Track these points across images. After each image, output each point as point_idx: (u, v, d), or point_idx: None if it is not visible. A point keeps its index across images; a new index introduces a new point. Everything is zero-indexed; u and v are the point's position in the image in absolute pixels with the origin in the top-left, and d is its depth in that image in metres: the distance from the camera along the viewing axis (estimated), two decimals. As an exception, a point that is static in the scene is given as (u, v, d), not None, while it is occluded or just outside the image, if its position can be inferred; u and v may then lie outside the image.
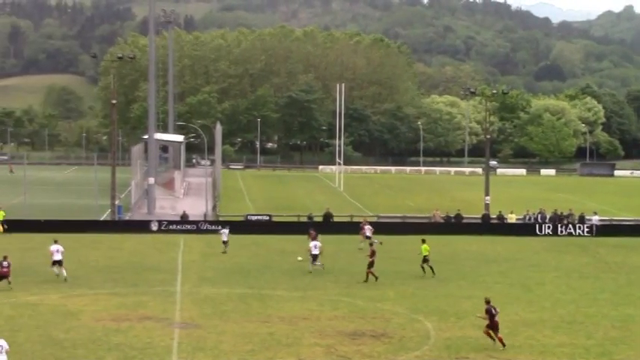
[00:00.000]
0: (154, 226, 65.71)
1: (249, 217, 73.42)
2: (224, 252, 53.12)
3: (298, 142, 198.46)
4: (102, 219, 72.12)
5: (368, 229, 57.40)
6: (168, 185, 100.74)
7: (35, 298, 37.57)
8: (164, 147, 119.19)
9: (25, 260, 48.56)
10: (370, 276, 43.89)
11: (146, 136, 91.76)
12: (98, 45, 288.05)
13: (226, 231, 54.91)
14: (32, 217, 66.97)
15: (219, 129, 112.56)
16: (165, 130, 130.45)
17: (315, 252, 46.26)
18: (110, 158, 79.38)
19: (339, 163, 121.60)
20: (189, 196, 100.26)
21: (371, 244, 50.38)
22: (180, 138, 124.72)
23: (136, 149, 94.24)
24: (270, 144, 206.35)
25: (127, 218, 74.24)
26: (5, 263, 39.80)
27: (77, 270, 45.56)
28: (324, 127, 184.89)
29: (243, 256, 52.75)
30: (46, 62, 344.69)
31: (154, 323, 33.58)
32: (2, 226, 63.56)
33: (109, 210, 73.94)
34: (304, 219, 71.21)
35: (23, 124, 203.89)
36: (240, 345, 30.29)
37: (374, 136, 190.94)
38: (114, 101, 79.49)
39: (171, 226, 65.84)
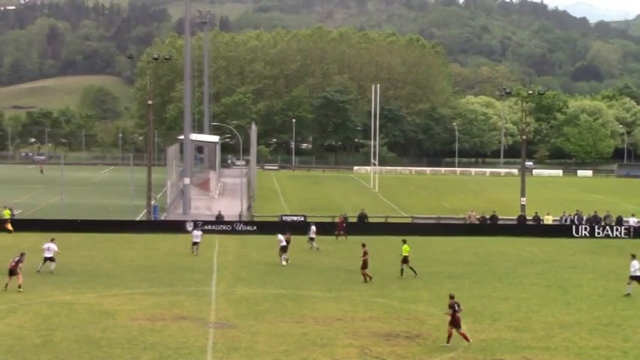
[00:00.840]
0: (190, 227, 65.96)
1: (284, 218, 73.50)
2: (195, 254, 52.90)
3: (333, 143, 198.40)
4: (138, 219, 72.53)
5: (312, 231, 56.73)
6: (204, 186, 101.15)
7: (71, 298, 37.82)
8: (199, 147, 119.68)
9: (60, 260, 48.91)
10: (366, 277, 44.10)
11: (182, 137, 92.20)
12: (134, 46, 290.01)
13: (199, 233, 54.79)
14: (69, 217, 67.49)
15: (254, 129, 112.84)
16: (200, 131, 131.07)
17: (283, 244, 49.08)
18: (146, 158, 79.86)
19: (374, 164, 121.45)
20: (224, 196, 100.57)
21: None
22: (215, 138, 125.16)
23: (172, 150, 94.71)
24: (305, 145, 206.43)
25: (162, 218, 74.60)
26: (17, 258, 40.00)
27: (113, 270, 45.83)
28: (359, 128, 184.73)
29: (278, 257, 52.76)
30: (83, 63, 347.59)
31: (189, 323, 33.70)
32: (11, 225, 63.67)
33: (145, 210, 74.36)
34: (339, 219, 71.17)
35: (60, 125, 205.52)
36: (275, 345, 30.31)
37: (409, 136, 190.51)
38: (150, 102, 79.97)
39: (206, 227, 66.03)
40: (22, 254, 40.62)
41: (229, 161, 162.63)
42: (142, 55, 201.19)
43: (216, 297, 39.39)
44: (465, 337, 30.38)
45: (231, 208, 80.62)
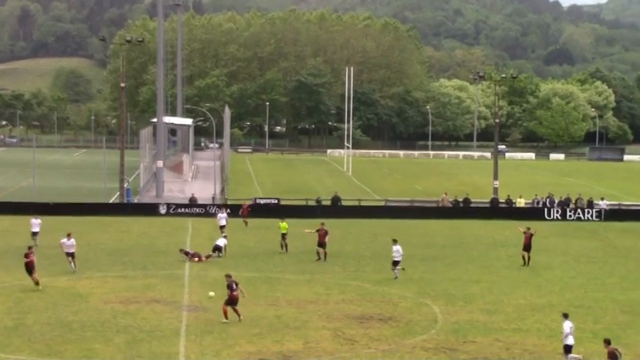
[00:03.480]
0: (163, 210, 65.82)
1: (257, 201, 73.42)
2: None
3: (307, 126, 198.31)
4: (111, 202, 72.24)
5: (222, 218, 54.20)
6: (177, 168, 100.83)
7: (44, 280, 37.62)
8: (173, 130, 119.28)
9: (32, 243, 48.69)
10: (320, 255, 45.27)
11: (155, 120, 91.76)
12: (107, 28, 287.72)
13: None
14: (41, 200, 67.11)
15: (227, 112, 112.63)
16: (173, 114, 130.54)
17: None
18: (119, 141, 79.41)
19: (348, 147, 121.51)
20: (197, 179, 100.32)
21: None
22: (188, 121, 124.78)
23: (145, 132, 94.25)
24: (279, 128, 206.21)
25: (135, 201, 74.33)
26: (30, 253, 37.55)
27: (86, 253, 45.68)
28: (332, 111, 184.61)
29: (251, 240, 52.80)
30: (55, 45, 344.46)
31: (162, 306, 33.70)
32: None
33: (118, 193, 74.07)
34: (312, 203, 71.25)
35: (32, 107, 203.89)
36: (248, 328, 30.39)
37: (382, 120, 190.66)
38: (123, 84, 79.45)
39: (179, 210, 65.89)
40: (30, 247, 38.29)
41: (202, 144, 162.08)
42: (114, 38, 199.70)
43: (190, 280, 39.40)
44: (238, 314, 31.28)
45: (205, 191, 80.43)
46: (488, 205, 73.84)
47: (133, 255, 46.30)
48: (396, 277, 40.11)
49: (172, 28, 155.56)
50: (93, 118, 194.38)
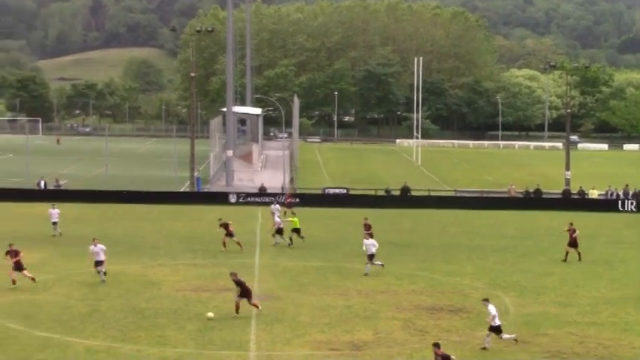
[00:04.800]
0: (233, 198, 66.23)
1: (326, 191, 73.51)
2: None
3: (376, 116, 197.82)
4: (181, 190, 72.92)
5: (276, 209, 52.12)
6: (247, 158, 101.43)
7: (117, 268, 38.15)
8: (242, 120, 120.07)
9: (105, 230, 49.44)
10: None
11: (224, 109, 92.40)
12: (177, 18, 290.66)
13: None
14: (114, 188, 68.06)
15: (296, 102, 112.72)
16: (243, 103, 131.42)
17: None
18: (189, 131, 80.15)
19: (417, 137, 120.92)
20: (267, 168, 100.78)
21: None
22: (257, 111, 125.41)
23: (215, 122, 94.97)
24: (348, 117, 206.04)
25: (205, 190, 74.95)
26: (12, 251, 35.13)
27: (157, 240, 46.20)
28: (401, 101, 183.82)
29: (321, 229, 52.80)
30: (127, 35, 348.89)
31: (232, 294, 33.85)
32: None
33: (188, 182, 74.76)
34: (382, 193, 71.06)
35: (105, 97, 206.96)
36: (319, 317, 30.40)
37: (452, 110, 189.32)
38: (193, 74, 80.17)
39: (249, 199, 66.24)
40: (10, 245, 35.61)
41: (272, 134, 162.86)
42: (184, 28, 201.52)
43: (260, 269, 39.56)
44: (256, 306, 30.50)
45: (274, 180, 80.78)
46: (560, 197, 72.84)
47: (203, 243, 46.66)
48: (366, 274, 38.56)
49: (242, 18, 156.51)
50: (164, 107, 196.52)
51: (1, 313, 30.11)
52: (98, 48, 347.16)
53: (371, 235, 41.87)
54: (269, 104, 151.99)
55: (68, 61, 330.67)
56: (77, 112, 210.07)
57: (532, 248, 47.60)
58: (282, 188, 74.37)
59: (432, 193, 74.30)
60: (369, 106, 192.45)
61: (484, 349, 26.69)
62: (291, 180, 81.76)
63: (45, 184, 68.11)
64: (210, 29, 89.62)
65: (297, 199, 64.03)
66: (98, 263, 35.80)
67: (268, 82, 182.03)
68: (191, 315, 30.36)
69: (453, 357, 22.60)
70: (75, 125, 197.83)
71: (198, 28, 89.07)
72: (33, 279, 34.74)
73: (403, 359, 25.83)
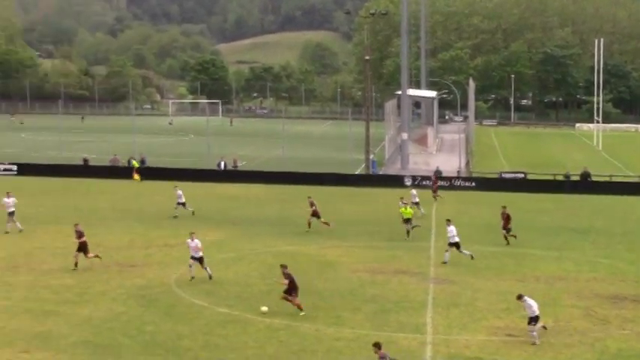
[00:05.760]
0: (408, 181, 66.11)
1: (502, 175, 72.36)
2: None
3: (554, 99, 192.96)
4: (357, 173, 73.41)
5: (415, 196, 51.45)
6: (421, 141, 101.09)
7: (293, 248, 38.82)
8: (417, 103, 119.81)
9: (283, 212, 50.44)
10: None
11: (399, 92, 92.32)
12: (352, 1, 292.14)
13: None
14: (290, 170, 69.21)
15: (472, 85, 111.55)
16: (417, 86, 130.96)
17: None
18: (364, 113, 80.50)
19: (597, 121, 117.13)
20: (442, 152, 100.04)
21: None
22: (432, 94, 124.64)
23: (390, 105, 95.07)
24: (525, 101, 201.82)
25: (380, 173, 75.16)
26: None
27: (332, 222, 46.62)
28: (581, 84, 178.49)
29: (497, 214, 51.92)
30: (302, 19, 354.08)
31: (408, 277, 33.87)
32: (138, 175, 66.63)
33: (364, 164, 75.15)
34: (561, 178, 69.29)
35: (281, 80, 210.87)
36: (495, 303, 29.97)
37: (635, 93, 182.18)
38: (367, 57, 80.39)
39: (424, 182, 65.97)
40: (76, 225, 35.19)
41: (447, 117, 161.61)
42: (359, 11, 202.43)
43: (435, 252, 39.31)
44: (299, 307, 28.25)
45: (449, 163, 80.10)
46: None
47: (379, 225, 46.80)
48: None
49: (416, 1, 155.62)
50: (339, 90, 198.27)
51: (186, 289, 31.18)
52: (274, 32, 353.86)
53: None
54: (443, 87, 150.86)
55: (246, 44, 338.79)
56: (255, 94, 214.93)
57: None
58: (458, 172, 73.68)
59: (614, 179, 71.88)
60: (547, 90, 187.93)
61: None
62: (467, 163, 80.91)
63: (225, 165, 70.04)
64: (384, 12, 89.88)
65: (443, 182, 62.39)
66: (196, 259, 32.71)
67: (443, 64, 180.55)
68: (367, 297, 30.52)
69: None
70: (252, 107, 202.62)
71: (373, 11, 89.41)
72: (97, 256, 34.59)
73: (585, 349, 25.10)
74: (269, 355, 24.17)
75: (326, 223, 44.16)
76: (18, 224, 41.73)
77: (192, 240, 32.82)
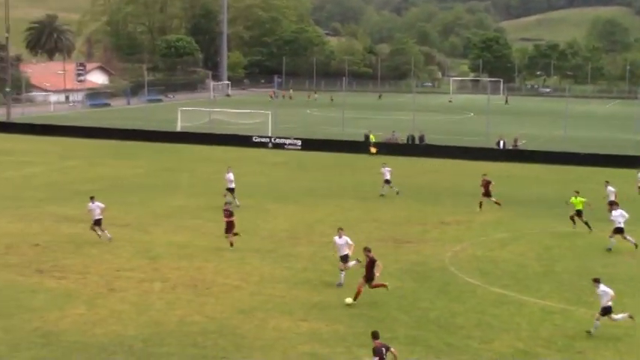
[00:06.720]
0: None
1: None
2: None
3: None
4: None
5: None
6: None
7: (570, 231, 37.74)
8: None
9: (563, 193, 49.11)
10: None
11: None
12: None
13: None
14: (570, 150, 67.22)
15: None
16: None
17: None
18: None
19: None
20: None
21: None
22: None
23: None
24: None
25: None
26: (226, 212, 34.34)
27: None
28: None
29: None
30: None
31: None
32: (375, 148, 68.74)
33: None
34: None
35: (567, 58, 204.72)
36: None
37: None
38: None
39: None
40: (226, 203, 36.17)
41: None
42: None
43: None
44: (382, 285, 26.54)
45: None
46: None
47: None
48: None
49: None
50: (628, 68, 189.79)
51: (461, 268, 31.26)
52: (562, 8, 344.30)
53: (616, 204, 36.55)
54: None
55: (531, 21, 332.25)
56: (538, 72, 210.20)
57: None
58: None
59: None
60: None
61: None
62: None
63: (504, 144, 69.19)
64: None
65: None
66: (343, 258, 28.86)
67: None
68: (649, 284, 29.25)
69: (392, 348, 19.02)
70: (535, 86, 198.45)
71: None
72: (233, 240, 33.67)
73: None
74: (543, 338, 23.79)
75: (497, 203, 43.13)
76: (107, 232, 34.67)
77: (340, 237, 28.75)
